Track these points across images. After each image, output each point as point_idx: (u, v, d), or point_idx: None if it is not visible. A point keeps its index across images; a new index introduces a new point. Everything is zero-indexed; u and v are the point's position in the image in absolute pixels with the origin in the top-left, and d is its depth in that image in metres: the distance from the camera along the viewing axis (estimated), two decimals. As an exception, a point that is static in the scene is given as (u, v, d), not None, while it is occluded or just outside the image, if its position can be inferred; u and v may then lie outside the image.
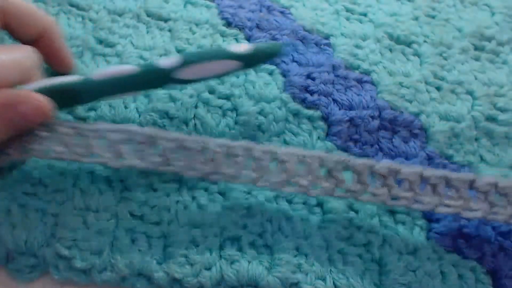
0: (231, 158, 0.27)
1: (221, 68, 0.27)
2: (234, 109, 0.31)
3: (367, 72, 0.33)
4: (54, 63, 0.31)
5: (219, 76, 0.28)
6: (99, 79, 0.27)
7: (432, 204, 0.26)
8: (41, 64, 0.28)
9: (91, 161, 0.27)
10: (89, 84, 0.27)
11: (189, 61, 0.27)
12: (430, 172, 0.26)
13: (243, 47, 0.27)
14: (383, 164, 0.27)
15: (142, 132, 0.27)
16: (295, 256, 0.27)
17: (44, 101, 0.25)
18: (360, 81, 0.33)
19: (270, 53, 0.28)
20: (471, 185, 0.26)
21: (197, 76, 0.27)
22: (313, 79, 0.32)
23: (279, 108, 0.31)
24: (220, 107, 0.31)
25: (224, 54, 0.27)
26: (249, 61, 0.27)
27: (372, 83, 0.33)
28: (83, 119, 0.30)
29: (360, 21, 0.36)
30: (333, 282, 0.27)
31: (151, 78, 0.27)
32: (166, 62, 0.27)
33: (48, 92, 0.26)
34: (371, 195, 0.26)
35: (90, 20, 0.35)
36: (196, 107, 0.31)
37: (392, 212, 0.29)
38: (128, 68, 0.27)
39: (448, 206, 0.26)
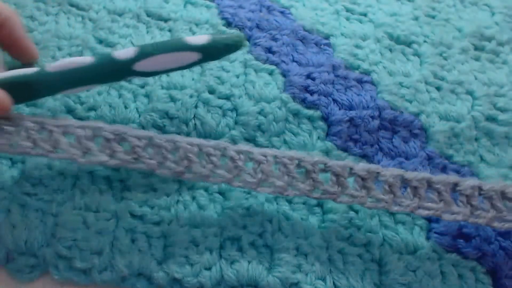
0: (205, 157, 0.26)
1: (180, 60, 0.27)
2: (234, 109, 0.31)
3: (367, 72, 0.33)
4: (16, 54, 0.31)
5: (179, 69, 0.28)
6: (55, 71, 0.26)
7: (411, 206, 0.26)
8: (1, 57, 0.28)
9: (57, 156, 0.26)
10: (43, 76, 0.26)
11: (145, 52, 0.26)
12: (411, 174, 0.26)
13: (201, 38, 0.27)
14: (363, 166, 0.26)
15: (110, 129, 0.26)
16: (295, 256, 0.27)
17: (2, 96, 0.25)
18: (360, 81, 0.33)
19: (229, 44, 0.27)
20: (454, 188, 0.26)
21: (157, 68, 0.27)
22: (313, 79, 0.32)
23: (279, 108, 0.31)
24: (220, 107, 0.31)
25: (182, 46, 0.26)
26: (208, 52, 0.27)
27: (372, 83, 0.33)
28: (84, 119, 0.30)
29: (360, 21, 0.36)
30: (333, 282, 0.27)
31: (108, 70, 0.27)
32: (122, 53, 0.26)
33: (1, 85, 0.26)
34: (350, 197, 0.26)
35: (90, 20, 0.35)
36: (196, 107, 0.31)
37: (392, 212, 0.29)
38: (83, 59, 0.27)
39: (428, 208, 0.26)
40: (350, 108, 0.32)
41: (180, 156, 0.26)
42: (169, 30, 0.35)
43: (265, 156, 0.26)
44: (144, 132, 0.27)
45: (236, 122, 0.31)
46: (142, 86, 0.32)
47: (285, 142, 0.31)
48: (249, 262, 0.27)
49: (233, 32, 0.33)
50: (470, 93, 0.33)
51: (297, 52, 0.34)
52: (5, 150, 0.26)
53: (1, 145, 0.26)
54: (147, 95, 0.31)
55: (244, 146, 0.27)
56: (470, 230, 0.28)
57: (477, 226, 0.28)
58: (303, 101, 0.32)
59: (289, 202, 0.29)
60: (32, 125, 0.26)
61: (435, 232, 0.28)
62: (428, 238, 0.28)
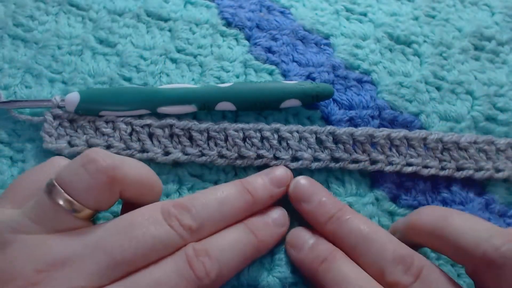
0: (248, 141, 0.29)
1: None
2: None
3: (367, 72, 0.33)
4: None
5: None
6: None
7: (400, 164, 0.29)
8: None
9: (141, 157, 0.29)
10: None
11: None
12: (395, 133, 0.29)
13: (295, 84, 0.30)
14: (361, 130, 0.29)
15: (179, 125, 0.29)
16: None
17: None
18: (360, 81, 0.33)
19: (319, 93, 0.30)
20: (424, 141, 0.29)
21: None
22: (313, 79, 0.32)
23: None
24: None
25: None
26: (305, 100, 0.30)
27: (372, 83, 0.33)
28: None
29: (360, 21, 0.36)
30: (333, 282, 0.27)
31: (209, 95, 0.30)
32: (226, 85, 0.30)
33: None
34: (356, 163, 0.29)
35: (90, 20, 0.35)
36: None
37: (391, 213, 0.29)
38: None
39: (411, 164, 0.29)
40: (350, 108, 0.32)
41: (230, 144, 0.29)
42: (169, 30, 0.35)
43: (291, 133, 0.29)
44: (202, 125, 0.29)
45: (237, 122, 0.31)
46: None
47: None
48: (249, 262, 0.27)
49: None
50: (470, 93, 0.33)
51: (297, 52, 0.34)
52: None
53: (98, 146, 0.29)
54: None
55: (274, 124, 0.29)
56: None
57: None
58: (303, 101, 0.32)
59: (289, 202, 0.29)
60: (124, 127, 0.29)
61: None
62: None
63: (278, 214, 0.27)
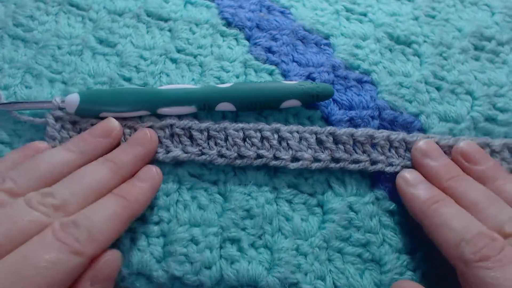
0: (248, 140, 0.29)
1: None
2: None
3: (367, 72, 0.33)
4: None
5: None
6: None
7: (400, 165, 0.29)
8: None
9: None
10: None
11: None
12: (394, 135, 0.30)
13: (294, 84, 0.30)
14: (361, 131, 0.29)
15: (179, 124, 0.29)
16: (295, 256, 0.27)
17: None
18: (360, 81, 0.33)
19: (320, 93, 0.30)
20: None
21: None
22: (313, 79, 0.32)
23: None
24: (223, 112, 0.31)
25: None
26: (305, 100, 0.30)
27: (372, 83, 0.33)
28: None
29: (360, 21, 0.36)
30: (333, 282, 0.27)
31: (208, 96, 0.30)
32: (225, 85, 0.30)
33: None
34: (356, 163, 0.29)
35: (90, 20, 0.35)
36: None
37: (392, 212, 0.29)
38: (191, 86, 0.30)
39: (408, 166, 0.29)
40: (350, 108, 0.32)
41: (230, 143, 0.29)
42: (169, 30, 0.35)
43: (291, 133, 0.29)
44: (203, 124, 0.29)
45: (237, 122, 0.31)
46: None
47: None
48: (249, 262, 0.27)
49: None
50: (469, 93, 0.33)
51: (297, 52, 0.34)
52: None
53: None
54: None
55: (275, 124, 0.30)
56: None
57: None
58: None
59: (289, 202, 0.29)
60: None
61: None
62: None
63: (142, 171, 0.27)
